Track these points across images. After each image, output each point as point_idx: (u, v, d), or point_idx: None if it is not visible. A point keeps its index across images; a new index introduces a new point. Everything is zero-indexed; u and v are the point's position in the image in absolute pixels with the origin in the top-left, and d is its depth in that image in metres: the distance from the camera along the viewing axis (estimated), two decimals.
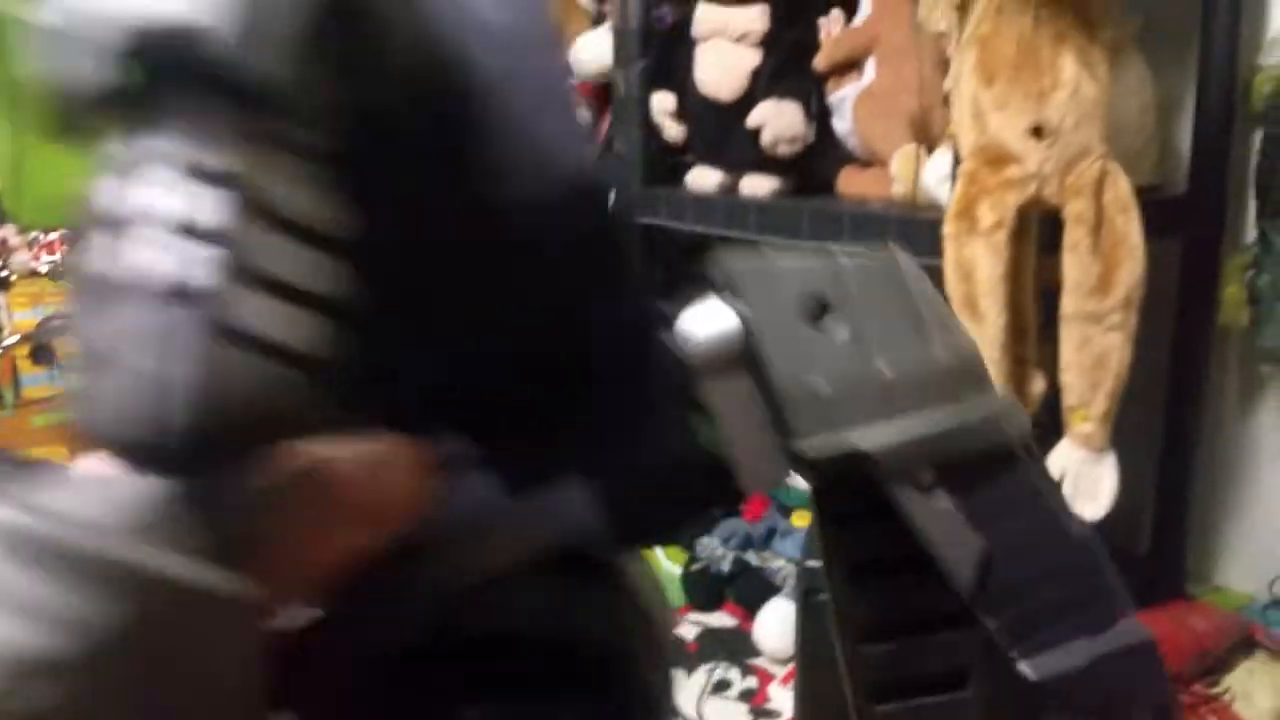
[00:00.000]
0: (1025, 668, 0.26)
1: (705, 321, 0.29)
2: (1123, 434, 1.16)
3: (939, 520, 0.26)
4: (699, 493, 0.35)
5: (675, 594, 1.25)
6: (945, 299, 0.90)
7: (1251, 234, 1.10)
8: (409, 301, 0.27)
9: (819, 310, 0.28)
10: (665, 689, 0.33)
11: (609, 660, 0.31)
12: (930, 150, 1.05)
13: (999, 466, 0.27)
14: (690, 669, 1.11)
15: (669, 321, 0.31)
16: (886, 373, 0.28)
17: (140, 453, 0.23)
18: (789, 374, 0.28)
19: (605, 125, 1.45)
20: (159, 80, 0.24)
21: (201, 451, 0.23)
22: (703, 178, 1.25)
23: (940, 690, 0.27)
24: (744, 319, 0.28)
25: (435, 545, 0.27)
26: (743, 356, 0.28)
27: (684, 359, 0.29)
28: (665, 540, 0.34)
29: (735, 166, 1.22)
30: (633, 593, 0.32)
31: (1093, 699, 0.27)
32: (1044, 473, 0.29)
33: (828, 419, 0.27)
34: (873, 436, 0.27)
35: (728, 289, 0.29)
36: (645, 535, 0.37)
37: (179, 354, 0.23)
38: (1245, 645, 1.03)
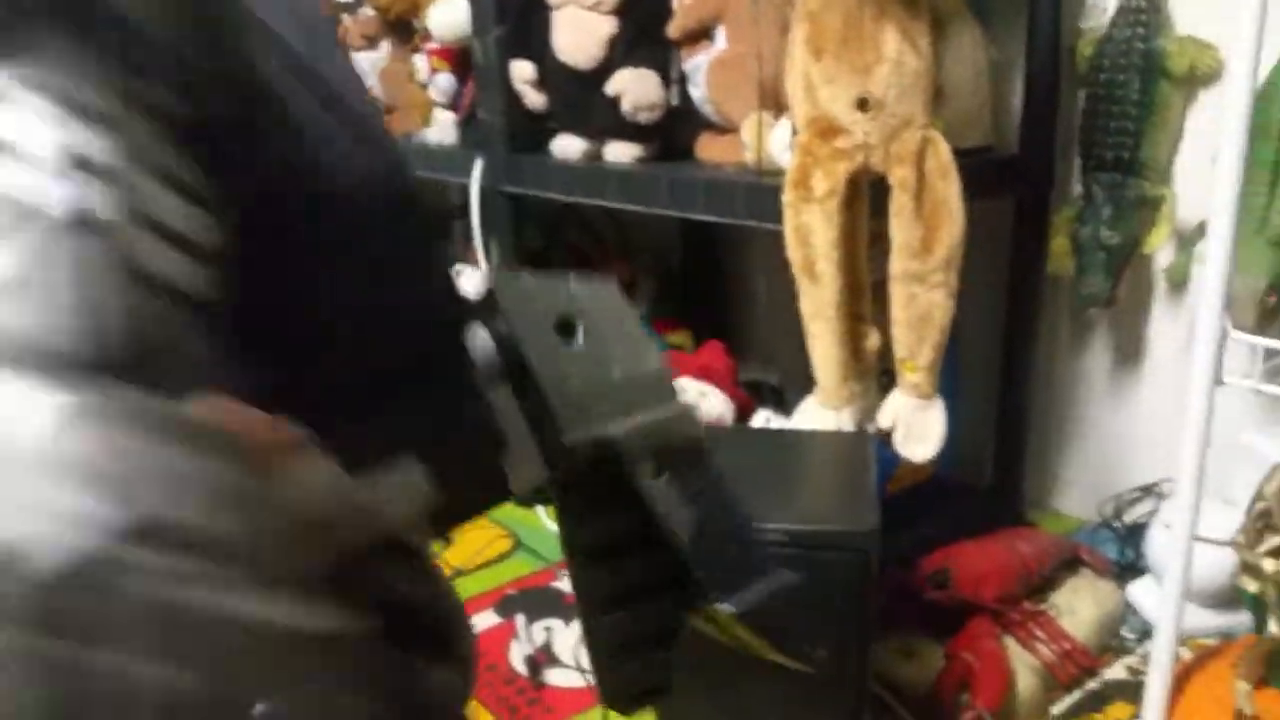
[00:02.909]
0: (726, 605, 0.35)
1: (479, 343, 0.34)
2: (964, 378, 1.24)
3: (665, 496, 0.33)
4: (500, 479, 0.40)
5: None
6: (788, 263, 0.96)
7: (1078, 189, 1.19)
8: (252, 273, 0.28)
9: (567, 326, 0.34)
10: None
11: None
12: (779, 117, 1.10)
13: (697, 454, 0.35)
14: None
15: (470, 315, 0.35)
16: (619, 377, 0.34)
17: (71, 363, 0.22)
18: (552, 379, 0.33)
19: (469, 92, 1.46)
20: (22, 5, 0.24)
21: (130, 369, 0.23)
22: (566, 145, 1.28)
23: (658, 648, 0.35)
24: (507, 337, 0.34)
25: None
26: (505, 373, 0.34)
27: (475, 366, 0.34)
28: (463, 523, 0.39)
29: (598, 134, 1.25)
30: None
31: (773, 620, 0.38)
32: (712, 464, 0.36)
33: (584, 417, 0.33)
34: (618, 427, 0.33)
35: (491, 310, 0.34)
36: (459, 518, 0.41)
37: (100, 282, 0.23)
38: (1071, 565, 1.13)
